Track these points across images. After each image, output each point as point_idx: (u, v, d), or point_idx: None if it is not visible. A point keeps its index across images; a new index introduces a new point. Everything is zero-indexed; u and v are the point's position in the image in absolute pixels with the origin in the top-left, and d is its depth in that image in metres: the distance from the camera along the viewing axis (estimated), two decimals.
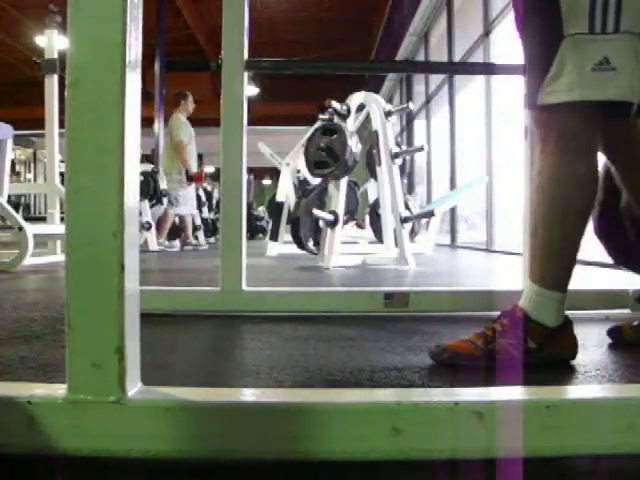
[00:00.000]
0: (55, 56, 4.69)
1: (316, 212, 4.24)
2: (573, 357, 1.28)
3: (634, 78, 1.09)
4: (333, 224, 4.23)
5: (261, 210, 10.98)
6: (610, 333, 1.51)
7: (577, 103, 1.12)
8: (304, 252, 5.13)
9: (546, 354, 1.21)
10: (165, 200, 7.57)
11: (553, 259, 1.23)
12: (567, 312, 1.89)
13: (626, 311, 1.94)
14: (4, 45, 13.28)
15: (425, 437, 0.75)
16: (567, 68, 1.12)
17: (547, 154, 1.19)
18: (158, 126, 11.11)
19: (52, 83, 4.67)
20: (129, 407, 0.75)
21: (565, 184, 1.19)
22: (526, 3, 1.20)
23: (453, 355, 1.23)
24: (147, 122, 6.45)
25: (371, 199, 5.80)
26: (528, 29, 1.21)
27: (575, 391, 1.00)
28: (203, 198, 9.14)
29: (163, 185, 7.37)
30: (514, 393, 0.93)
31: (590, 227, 1.77)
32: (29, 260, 3.78)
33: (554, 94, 1.14)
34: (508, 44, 5.84)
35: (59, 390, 0.76)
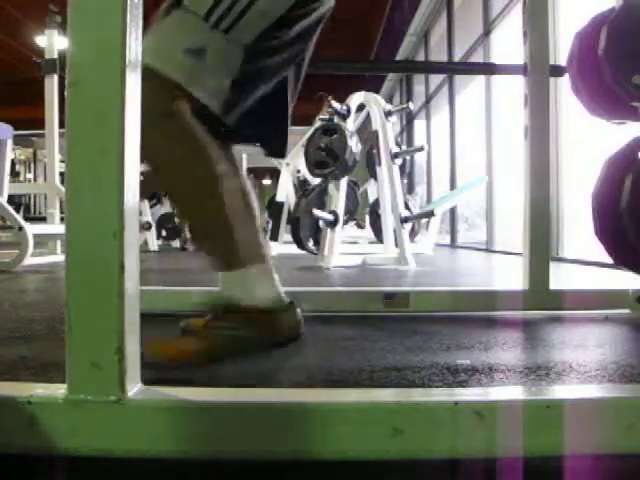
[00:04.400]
0: (55, 56, 4.69)
1: (316, 212, 4.24)
2: (294, 340, 1.20)
3: None
4: (333, 224, 4.23)
5: None
6: None
7: None
8: (304, 252, 5.13)
9: (261, 339, 1.15)
10: (165, 200, 7.54)
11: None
12: (567, 312, 1.89)
13: (626, 311, 1.94)
14: (4, 45, 13.27)
15: (425, 437, 0.75)
16: None
17: None
18: None
19: (52, 83, 4.67)
20: (129, 407, 0.75)
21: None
22: None
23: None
24: None
25: (371, 199, 5.80)
26: None
27: (575, 391, 1.00)
28: None
29: None
30: (514, 393, 0.93)
31: (590, 227, 1.77)
32: (29, 260, 3.78)
33: None
34: (508, 44, 5.84)
35: (59, 390, 0.76)
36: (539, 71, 1.92)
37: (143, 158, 1.11)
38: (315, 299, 2.02)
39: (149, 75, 1.00)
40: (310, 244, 5.11)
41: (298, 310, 1.20)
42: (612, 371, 1.21)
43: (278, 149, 1.27)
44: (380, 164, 4.45)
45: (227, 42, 1.05)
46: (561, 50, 4.32)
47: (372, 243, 5.77)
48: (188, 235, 6.92)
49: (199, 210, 1.12)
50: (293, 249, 5.41)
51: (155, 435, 0.75)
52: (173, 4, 1.08)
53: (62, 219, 4.52)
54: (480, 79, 7.01)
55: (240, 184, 1.15)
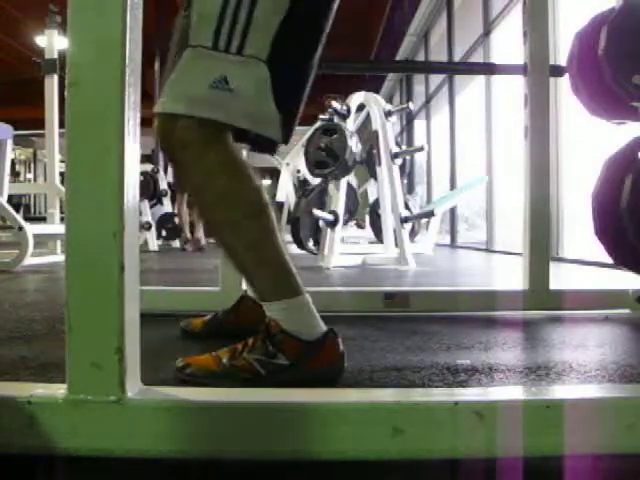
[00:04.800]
0: (55, 56, 4.69)
1: (316, 212, 4.24)
2: (337, 375, 1.12)
3: None
4: (333, 224, 4.23)
5: None
6: None
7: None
8: (304, 252, 5.13)
9: (302, 372, 1.07)
10: (165, 200, 7.55)
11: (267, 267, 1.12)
12: (567, 312, 1.88)
13: (626, 311, 1.94)
14: (4, 45, 13.27)
15: (425, 437, 0.75)
16: None
17: None
18: None
19: (52, 83, 4.67)
20: (129, 407, 0.75)
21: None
22: None
23: (193, 371, 1.10)
24: (147, 122, 6.45)
25: (371, 199, 5.80)
26: None
27: (575, 391, 1.00)
28: None
29: (163, 185, 7.37)
30: (514, 393, 0.93)
31: (590, 227, 1.77)
32: (29, 260, 3.78)
33: None
34: (508, 44, 5.85)
35: (59, 390, 0.76)
36: (539, 71, 1.92)
37: (194, 200, 1.12)
38: (315, 299, 2.01)
39: (183, 122, 1.02)
40: (310, 244, 5.11)
41: (340, 341, 1.13)
42: (612, 371, 1.21)
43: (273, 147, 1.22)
44: (380, 164, 4.45)
45: (245, 62, 1.03)
46: (561, 50, 4.32)
47: (372, 243, 5.77)
48: (188, 235, 6.91)
49: (252, 239, 1.09)
50: (293, 249, 5.41)
51: (155, 435, 0.75)
52: (182, 46, 1.07)
53: (62, 219, 4.52)
54: (480, 79, 7.01)
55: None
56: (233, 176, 1.07)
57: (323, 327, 1.12)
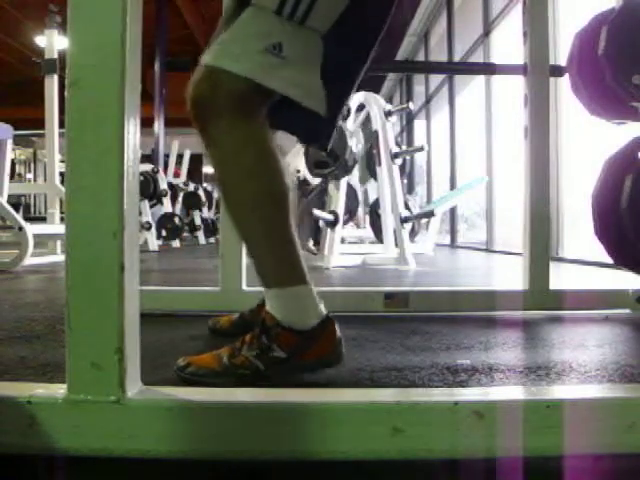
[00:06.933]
0: (55, 56, 4.69)
1: (316, 212, 4.24)
2: (337, 361, 1.12)
3: None
4: (333, 224, 4.23)
5: None
6: None
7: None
8: (304, 252, 5.13)
9: (300, 363, 1.08)
10: (165, 200, 7.54)
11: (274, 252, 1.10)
12: (567, 312, 1.88)
13: (626, 311, 1.94)
14: (4, 45, 13.28)
15: (425, 437, 0.75)
16: None
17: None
18: (158, 126, 11.11)
19: (52, 83, 4.67)
20: (129, 407, 0.75)
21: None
22: None
23: (194, 370, 1.09)
24: (147, 122, 6.44)
25: (371, 199, 5.80)
26: None
27: (575, 391, 1.00)
28: (203, 198, 9.15)
29: (163, 185, 7.37)
30: (514, 393, 0.93)
31: (590, 227, 1.77)
32: (29, 260, 3.78)
33: None
34: (508, 44, 5.85)
35: (59, 390, 0.76)
36: (539, 71, 1.92)
37: (214, 165, 1.07)
38: None
39: (226, 78, 1.00)
40: (310, 244, 5.11)
41: (337, 330, 1.11)
42: (612, 371, 1.21)
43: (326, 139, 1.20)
44: (380, 164, 4.45)
45: (303, 33, 1.02)
46: (561, 50, 4.32)
47: (372, 243, 5.77)
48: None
49: (267, 221, 1.07)
50: None
51: (155, 435, 0.75)
52: (241, 3, 1.04)
53: (62, 219, 4.52)
54: (480, 79, 7.02)
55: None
56: (261, 154, 1.05)
57: (322, 313, 1.10)
